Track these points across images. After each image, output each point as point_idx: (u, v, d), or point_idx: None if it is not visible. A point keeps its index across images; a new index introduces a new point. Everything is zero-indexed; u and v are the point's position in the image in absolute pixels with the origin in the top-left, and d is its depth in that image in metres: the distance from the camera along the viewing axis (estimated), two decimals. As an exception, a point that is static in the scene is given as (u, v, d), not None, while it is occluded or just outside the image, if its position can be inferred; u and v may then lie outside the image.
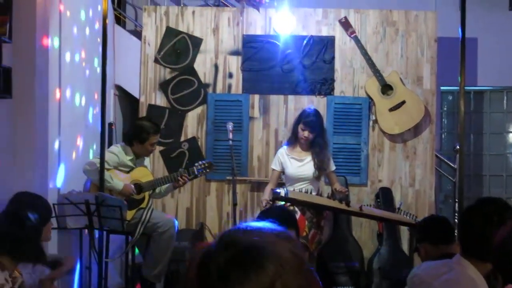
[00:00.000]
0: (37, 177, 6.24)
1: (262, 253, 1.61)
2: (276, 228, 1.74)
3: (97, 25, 8.01)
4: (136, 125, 7.37)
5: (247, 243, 1.65)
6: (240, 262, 1.60)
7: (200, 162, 7.38)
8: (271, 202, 7.03)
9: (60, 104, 6.78)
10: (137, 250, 7.48)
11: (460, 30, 6.78)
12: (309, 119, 7.33)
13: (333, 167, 7.53)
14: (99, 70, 7.83)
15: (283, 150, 7.52)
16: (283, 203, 6.96)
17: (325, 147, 7.46)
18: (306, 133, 7.31)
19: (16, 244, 4.59)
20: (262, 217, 4.80)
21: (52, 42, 6.55)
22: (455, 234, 5.02)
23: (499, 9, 10.18)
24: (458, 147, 7.55)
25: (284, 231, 1.72)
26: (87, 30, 7.82)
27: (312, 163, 7.36)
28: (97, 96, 7.87)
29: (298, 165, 7.39)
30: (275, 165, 7.51)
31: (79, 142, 7.55)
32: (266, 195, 7.28)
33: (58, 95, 6.74)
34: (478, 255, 3.45)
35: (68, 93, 7.07)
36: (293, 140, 7.49)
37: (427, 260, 4.58)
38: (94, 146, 8.03)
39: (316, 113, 7.47)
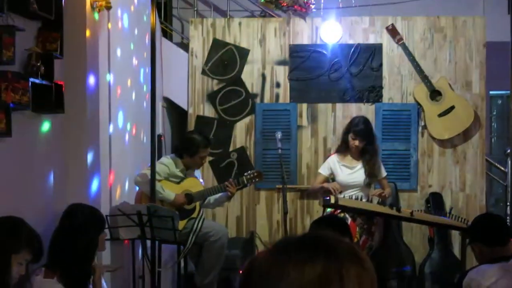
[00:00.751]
0: (89, 193, 6.32)
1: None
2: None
3: (146, 39, 8.08)
4: (187, 138, 7.41)
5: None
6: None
7: (249, 172, 7.41)
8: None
9: (110, 117, 6.86)
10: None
11: (510, 34, 6.76)
12: (359, 128, 7.34)
13: (384, 173, 7.54)
14: (146, 85, 7.94)
15: (334, 157, 7.55)
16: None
17: (376, 154, 7.47)
18: (357, 142, 7.32)
19: (75, 256, 4.68)
20: (315, 225, 4.83)
21: (103, 59, 6.64)
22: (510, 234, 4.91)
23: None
24: (509, 150, 7.52)
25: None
26: (137, 43, 7.90)
27: (362, 170, 7.38)
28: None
29: (349, 172, 7.41)
30: (323, 170, 7.54)
31: (130, 154, 7.62)
32: (320, 185, 7.37)
33: (108, 109, 6.82)
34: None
35: (118, 106, 7.15)
36: (344, 148, 7.51)
37: (481, 260, 4.53)
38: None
39: (366, 121, 7.49)
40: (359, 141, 7.33)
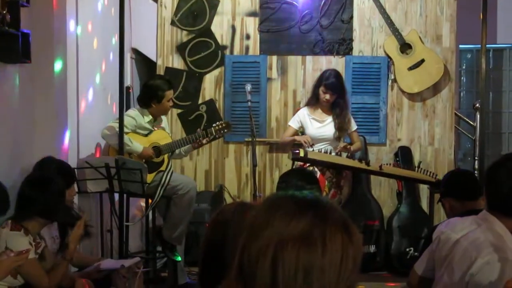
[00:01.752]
0: (57, 142, 6.25)
1: None
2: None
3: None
4: (149, 86, 7.30)
5: None
6: None
7: (218, 123, 7.36)
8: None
9: (78, 67, 6.76)
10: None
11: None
12: (330, 82, 7.33)
13: (354, 126, 7.55)
14: (114, 36, 7.82)
15: (304, 110, 7.54)
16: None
17: (346, 108, 7.47)
18: (327, 96, 7.32)
19: (44, 207, 4.66)
20: (284, 178, 4.81)
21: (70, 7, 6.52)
22: (481, 189, 4.95)
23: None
24: (478, 104, 7.53)
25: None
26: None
27: (333, 124, 7.38)
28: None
29: (319, 125, 7.40)
30: (293, 123, 7.54)
31: (98, 106, 7.53)
32: (291, 138, 7.41)
33: (75, 60, 6.72)
34: (504, 210, 3.43)
35: (86, 57, 7.04)
36: (314, 101, 7.50)
37: (451, 215, 4.55)
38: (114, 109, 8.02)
39: (337, 74, 7.47)
40: (330, 94, 7.31)
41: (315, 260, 1.59)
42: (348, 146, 7.28)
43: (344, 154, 7.23)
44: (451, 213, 4.80)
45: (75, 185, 6.08)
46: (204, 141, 7.27)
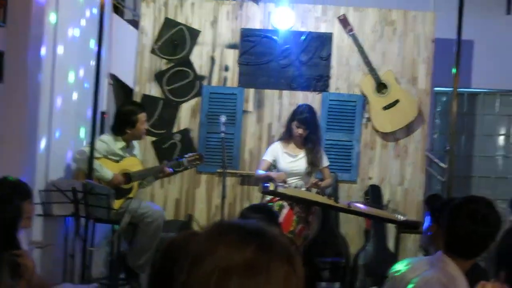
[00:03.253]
0: (25, 163, 6.23)
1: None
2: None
3: (95, 12, 7.97)
4: (122, 113, 7.33)
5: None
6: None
7: (190, 154, 7.38)
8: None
9: (52, 91, 6.76)
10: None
11: (456, 32, 6.81)
12: (303, 116, 7.36)
13: (326, 162, 7.57)
14: (92, 61, 7.83)
15: (278, 144, 7.55)
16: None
17: (318, 143, 7.50)
18: (300, 130, 7.34)
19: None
20: (246, 213, 4.80)
21: (48, 26, 6.53)
22: None
23: (496, 12, 10.18)
24: (448, 147, 7.57)
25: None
26: (84, 20, 7.79)
27: (305, 159, 7.39)
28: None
29: (291, 160, 7.42)
30: (267, 156, 7.54)
31: (71, 129, 7.52)
32: (265, 174, 7.36)
33: (50, 82, 6.72)
34: (460, 252, 3.46)
35: (61, 81, 7.04)
36: (287, 136, 7.53)
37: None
38: (84, 134, 8.00)
39: (310, 109, 7.50)
40: (303, 129, 7.34)
41: None
42: (319, 182, 7.29)
43: (314, 190, 7.24)
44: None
45: (40, 207, 6.06)
46: (167, 174, 7.29)
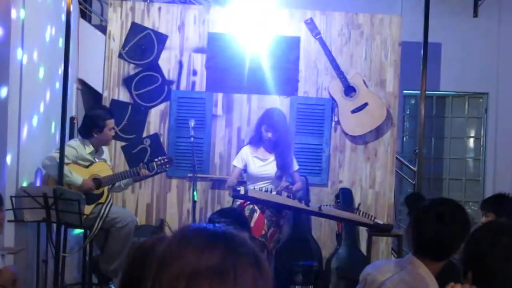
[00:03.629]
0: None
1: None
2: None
3: (63, 18, 7.95)
4: (90, 116, 7.36)
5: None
6: None
7: (160, 158, 7.38)
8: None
9: (20, 98, 6.73)
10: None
11: (423, 35, 6.87)
12: (272, 121, 7.37)
13: (295, 166, 7.57)
14: (60, 67, 7.80)
15: (247, 148, 7.55)
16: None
17: (288, 147, 7.51)
18: (269, 134, 7.34)
19: None
20: (214, 218, 4.79)
21: (11, 37, 6.50)
22: None
23: (463, 15, 10.29)
24: (418, 150, 7.64)
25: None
26: (51, 24, 7.76)
27: (275, 163, 7.40)
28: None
29: (261, 164, 7.42)
30: (237, 162, 7.54)
31: (40, 135, 7.49)
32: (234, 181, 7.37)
33: (19, 87, 6.69)
34: (430, 254, 3.49)
35: (29, 86, 7.01)
36: (257, 140, 7.52)
37: None
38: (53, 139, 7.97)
39: (280, 114, 7.54)
40: (272, 133, 7.34)
41: None
42: (290, 186, 7.30)
43: (285, 194, 7.25)
44: None
45: (11, 213, 6.05)
46: (144, 176, 7.29)
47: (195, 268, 1.61)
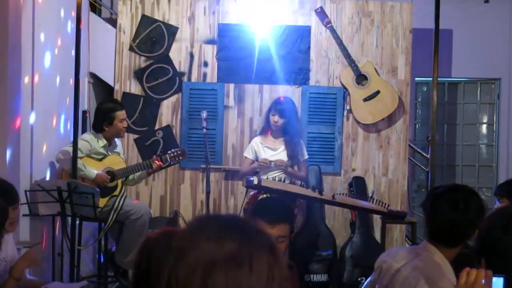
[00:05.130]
0: (9, 163, 6.22)
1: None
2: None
3: (73, 13, 7.96)
4: (100, 110, 7.39)
5: None
6: None
7: (172, 150, 7.40)
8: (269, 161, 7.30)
9: (33, 89, 6.75)
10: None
11: (434, 21, 6.85)
12: (279, 105, 7.45)
13: (305, 156, 7.59)
14: (73, 57, 7.81)
15: (257, 139, 7.61)
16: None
17: (297, 135, 7.52)
18: (275, 118, 7.41)
19: None
20: (259, 205, 4.78)
21: (26, 27, 6.52)
22: None
23: (474, 1, 10.25)
24: (430, 137, 7.62)
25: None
26: (63, 17, 7.77)
27: (285, 152, 7.41)
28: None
29: (272, 153, 7.44)
30: (247, 153, 7.59)
31: (53, 129, 7.51)
32: (249, 168, 7.51)
33: (31, 80, 6.71)
34: (444, 241, 3.49)
35: (42, 79, 7.03)
36: (266, 128, 7.59)
37: None
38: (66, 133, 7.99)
39: (287, 99, 7.62)
40: (278, 117, 7.40)
41: (243, 280, 1.61)
42: (289, 168, 7.36)
43: (298, 182, 7.27)
44: None
45: (26, 207, 6.08)
46: (158, 168, 7.30)
47: (211, 258, 1.62)
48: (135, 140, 8.55)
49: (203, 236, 1.67)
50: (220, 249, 1.63)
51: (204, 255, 1.63)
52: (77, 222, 6.75)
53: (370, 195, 7.46)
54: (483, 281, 2.51)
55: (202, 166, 8.22)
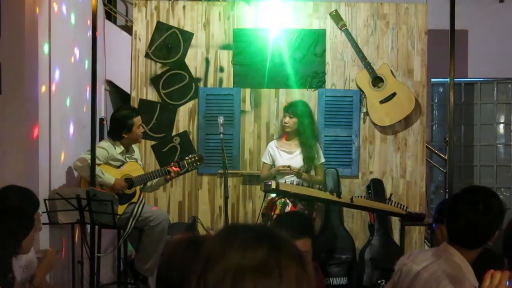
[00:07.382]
0: (27, 172, 6.25)
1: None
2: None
3: (88, 21, 8.00)
4: (117, 118, 7.38)
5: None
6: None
7: (190, 156, 7.42)
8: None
9: (50, 98, 6.79)
10: (129, 245, 7.51)
11: (449, 22, 6.83)
12: (291, 107, 7.48)
13: (321, 159, 7.59)
14: (89, 65, 7.85)
15: (273, 143, 7.63)
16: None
17: (312, 137, 7.52)
18: (286, 119, 7.47)
19: (6, 237, 4.57)
20: (278, 221, 4.78)
21: (42, 36, 6.55)
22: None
23: (489, 1, 10.23)
24: (447, 138, 7.60)
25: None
26: (78, 26, 7.81)
27: (301, 156, 7.42)
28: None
29: (288, 157, 7.46)
30: (265, 158, 7.61)
31: (70, 137, 7.54)
32: (269, 172, 7.53)
33: (48, 89, 6.74)
34: (464, 242, 3.48)
35: (59, 87, 7.06)
36: (282, 132, 7.60)
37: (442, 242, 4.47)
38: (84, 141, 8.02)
39: (302, 102, 7.65)
40: (289, 117, 7.43)
41: None
42: (300, 171, 7.35)
43: (316, 186, 7.28)
44: (442, 240, 4.64)
45: (45, 215, 6.10)
46: (176, 174, 7.32)
47: (240, 266, 1.62)
48: (152, 146, 8.57)
49: (232, 245, 1.67)
50: (249, 258, 1.63)
51: (233, 263, 1.63)
52: (96, 229, 6.77)
53: (389, 197, 7.44)
54: (507, 282, 2.49)
55: (220, 171, 8.23)
